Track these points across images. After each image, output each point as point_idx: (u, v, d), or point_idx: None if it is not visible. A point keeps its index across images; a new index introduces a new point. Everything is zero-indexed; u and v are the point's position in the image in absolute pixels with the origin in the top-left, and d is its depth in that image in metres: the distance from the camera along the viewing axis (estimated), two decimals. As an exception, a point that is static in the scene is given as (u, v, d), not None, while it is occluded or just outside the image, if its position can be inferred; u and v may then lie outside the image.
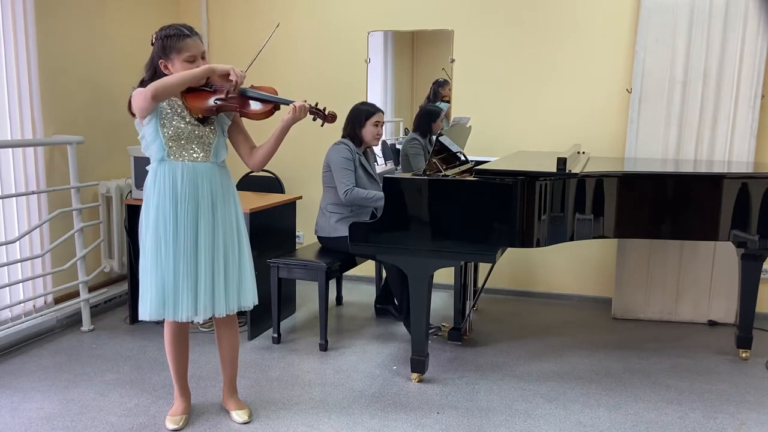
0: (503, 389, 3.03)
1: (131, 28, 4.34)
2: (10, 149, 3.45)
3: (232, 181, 2.59)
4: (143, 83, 2.41)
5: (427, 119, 4.27)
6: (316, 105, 2.52)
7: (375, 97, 4.54)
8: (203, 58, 2.43)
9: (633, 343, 3.65)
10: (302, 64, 4.70)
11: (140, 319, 2.48)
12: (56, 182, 3.74)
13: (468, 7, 4.35)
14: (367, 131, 3.59)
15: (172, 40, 2.36)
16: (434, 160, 3.14)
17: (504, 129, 4.37)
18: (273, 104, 2.45)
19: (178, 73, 2.33)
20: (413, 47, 4.56)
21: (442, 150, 3.31)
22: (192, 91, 2.41)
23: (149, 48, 2.44)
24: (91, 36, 4.04)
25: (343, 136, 3.63)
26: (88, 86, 4.01)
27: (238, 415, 2.69)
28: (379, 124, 3.61)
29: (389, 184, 2.93)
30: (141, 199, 3.60)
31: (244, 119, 2.54)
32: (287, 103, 2.47)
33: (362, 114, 3.59)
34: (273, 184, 4.37)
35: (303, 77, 4.68)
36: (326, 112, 2.52)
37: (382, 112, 3.65)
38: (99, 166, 4.05)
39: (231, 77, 2.33)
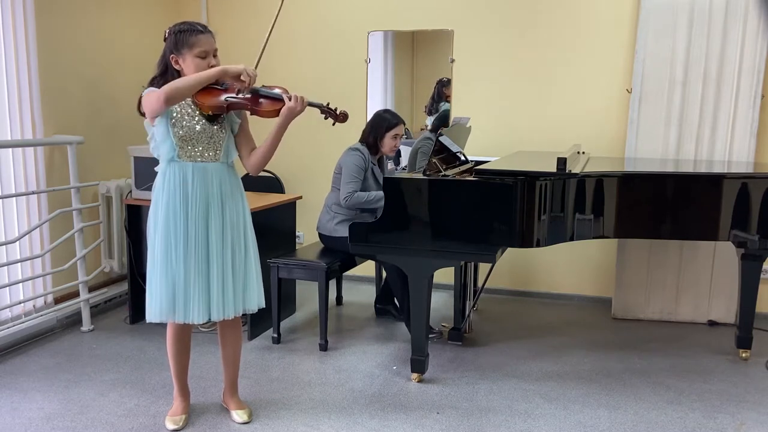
0: (503, 389, 3.03)
1: (131, 28, 4.33)
2: (10, 149, 3.45)
3: (240, 182, 2.58)
4: (153, 81, 2.41)
5: (443, 124, 4.43)
6: (328, 105, 2.53)
7: (375, 97, 4.54)
8: (215, 55, 2.42)
9: (633, 343, 3.65)
10: (302, 64, 4.70)
11: (148, 320, 2.48)
12: (56, 182, 3.74)
13: (468, 7, 4.35)
14: (386, 143, 3.61)
15: (184, 35, 2.35)
16: (434, 160, 3.14)
17: (504, 129, 4.37)
18: (283, 103, 2.45)
19: (191, 75, 2.31)
20: (413, 47, 4.56)
21: (442, 150, 3.31)
22: (203, 88, 2.41)
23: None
24: (92, 36, 4.03)
25: (360, 140, 3.63)
26: (88, 86, 4.01)
27: (239, 415, 2.69)
28: (398, 137, 3.63)
29: (389, 184, 2.93)
30: (141, 199, 3.65)
31: (254, 118, 2.53)
32: None
33: (383, 125, 3.59)
34: (273, 184, 4.37)
35: (303, 77, 4.68)
36: (337, 112, 2.53)
37: (403, 124, 3.66)
38: (99, 166, 4.05)
39: (243, 77, 2.31)
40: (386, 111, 3.70)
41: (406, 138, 4.55)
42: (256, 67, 2.41)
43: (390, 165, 4.57)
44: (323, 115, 2.53)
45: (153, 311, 2.45)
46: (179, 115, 2.40)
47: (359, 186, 3.51)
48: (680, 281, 4.00)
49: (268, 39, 2.43)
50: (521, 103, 4.33)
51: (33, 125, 3.55)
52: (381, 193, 3.24)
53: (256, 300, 2.58)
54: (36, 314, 3.61)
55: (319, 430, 2.62)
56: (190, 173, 2.42)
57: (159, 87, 2.37)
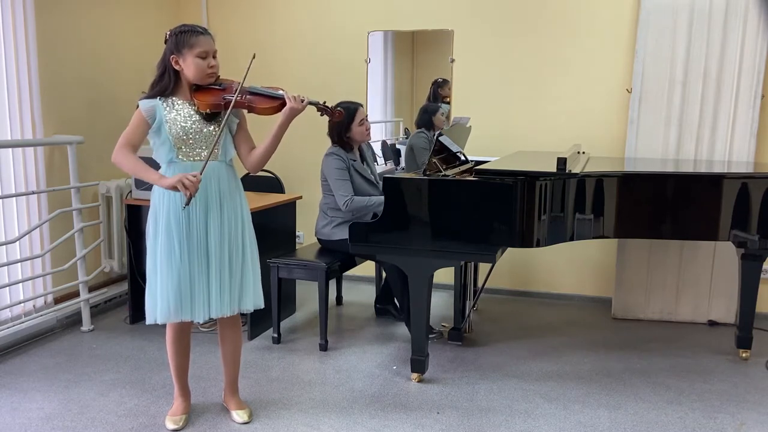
0: (503, 389, 3.03)
1: (132, 29, 4.33)
2: (10, 149, 3.45)
3: (239, 181, 2.59)
4: (153, 85, 2.44)
5: (427, 115, 4.34)
6: (324, 103, 2.57)
7: (375, 97, 4.54)
8: (215, 57, 2.44)
9: (633, 343, 3.65)
10: (302, 64, 4.70)
11: (149, 323, 2.48)
12: (56, 182, 3.74)
13: (468, 7, 4.35)
14: (355, 132, 3.53)
15: (185, 36, 2.38)
16: (434, 160, 3.14)
17: (504, 129, 4.37)
18: (281, 101, 2.46)
19: (141, 168, 2.36)
20: (413, 47, 4.56)
21: (442, 150, 3.31)
22: (201, 88, 2.45)
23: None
24: (92, 36, 4.03)
25: (332, 142, 3.59)
26: (88, 86, 4.01)
27: (239, 415, 2.69)
28: (364, 121, 3.55)
29: (389, 184, 2.93)
30: (141, 199, 3.65)
31: (255, 119, 2.54)
32: None
33: (342, 119, 3.43)
34: (273, 184, 4.37)
35: (303, 77, 4.68)
36: (333, 110, 2.60)
37: (361, 106, 3.59)
38: (99, 166, 4.04)
39: (180, 189, 2.28)
40: (339, 104, 3.53)
41: (405, 137, 4.56)
42: (231, 109, 2.40)
43: (389, 165, 4.58)
44: (319, 113, 2.58)
45: (161, 313, 2.45)
46: (174, 116, 2.41)
47: (351, 186, 3.48)
48: (680, 281, 4.00)
49: (239, 88, 2.42)
50: (521, 103, 4.33)
51: (33, 125, 3.55)
52: (380, 198, 3.24)
53: (252, 300, 2.58)
54: (36, 314, 3.61)
55: (319, 430, 2.62)
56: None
57: (155, 92, 2.43)
